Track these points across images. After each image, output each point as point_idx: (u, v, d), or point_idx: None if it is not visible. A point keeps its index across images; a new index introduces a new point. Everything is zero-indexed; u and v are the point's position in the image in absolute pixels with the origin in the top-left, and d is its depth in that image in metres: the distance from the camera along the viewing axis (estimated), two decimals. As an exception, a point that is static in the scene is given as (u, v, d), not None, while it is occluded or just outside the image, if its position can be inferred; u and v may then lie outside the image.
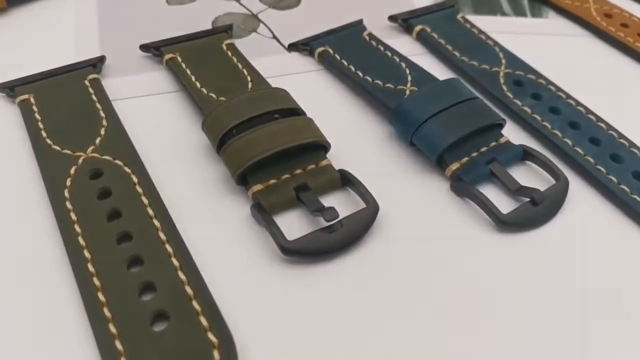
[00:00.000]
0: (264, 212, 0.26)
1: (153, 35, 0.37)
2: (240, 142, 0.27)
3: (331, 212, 0.26)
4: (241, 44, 0.38)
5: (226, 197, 0.28)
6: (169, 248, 0.25)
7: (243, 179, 0.28)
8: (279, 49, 0.37)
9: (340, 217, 0.26)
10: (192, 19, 0.39)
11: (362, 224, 0.26)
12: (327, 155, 0.30)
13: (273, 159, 0.28)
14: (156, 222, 0.26)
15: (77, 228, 0.25)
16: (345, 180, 0.28)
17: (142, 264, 0.24)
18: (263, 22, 0.39)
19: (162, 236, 0.25)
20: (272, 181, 0.28)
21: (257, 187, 0.27)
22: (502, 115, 0.33)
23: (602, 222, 0.29)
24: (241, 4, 0.41)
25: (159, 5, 0.41)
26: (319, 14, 0.41)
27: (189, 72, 0.33)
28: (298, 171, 0.28)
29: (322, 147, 0.29)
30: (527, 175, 0.31)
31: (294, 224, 0.27)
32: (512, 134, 0.33)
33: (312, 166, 0.28)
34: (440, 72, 0.37)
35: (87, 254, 0.24)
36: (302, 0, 0.42)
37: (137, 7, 0.41)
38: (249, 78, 0.33)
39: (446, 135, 0.29)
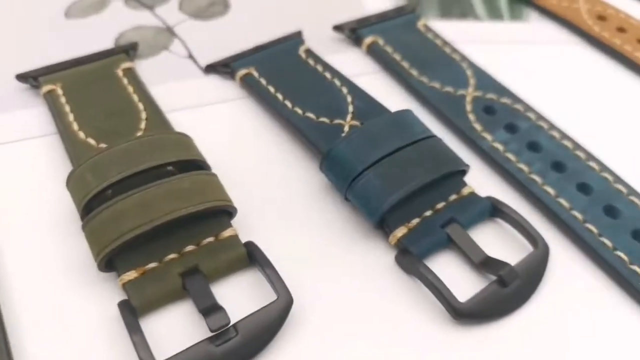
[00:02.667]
0: (130, 318, 0.19)
1: (44, 59, 0.30)
2: (106, 213, 0.20)
3: (219, 316, 0.19)
4: (147, 66, 0.30)
5: (91, 287, 0.21)
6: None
7: (112, 262, 0.21)
8: (194, 72, 0.30)
9: (241, 315, 0.20)
10: (94, 35, 0.32)
11: (266, 327, 0.19)
12: (234, 221, 0.23)
13: (155, 234, 0.21)
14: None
15: None
16: (253, 259, 0.22)
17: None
18: (178, 37, 0.32)
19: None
20: (152, 265, 0.21)
21: (129, 275, 0.20)
22: (469, 154, 0.27)
23: (592, 303, 0.22)
24: (155, 15, 0.34)
25: (56, 20, 0.33)
26: (251, 24, 0.34)
27: (67, 108, 0.26)
28: (189, 248, 0.21)
29: (225, 212, 0.23)
30: (498, 238, 0.24)
31: (177, 328, 0.20)
32: (481, 179, 0.26)
33: (210, 239, 0.22)
34: (395, 96, 0.30)
35: None
36: (232, 7, 0.35)
37: (27, 22, 0.33)
38: (143, 115, 0.26)
39: (388, 192, 0.22)
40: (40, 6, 0.34)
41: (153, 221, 0.20)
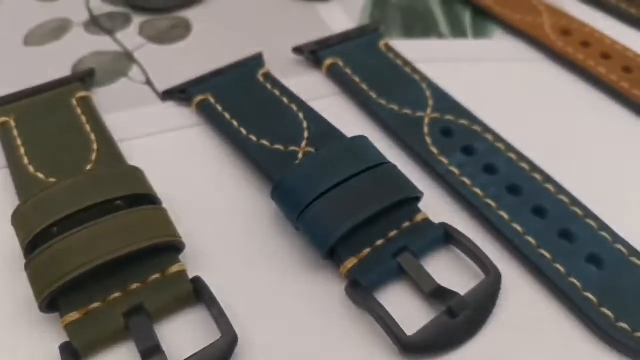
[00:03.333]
0: (70, 360, 0.19)
1: (3, 88, 0.29)
2: (48, 253, 0.20)
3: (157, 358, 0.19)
4: (104, 93, 0.30)
5: (33, 329, 0.21)
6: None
7: (55, 302, 0.21)
8: (152, 98, 0.30)
9: (183, 356, 0.19)
10: (53, 63, 0.32)
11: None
12: (185, 254, 0.23)
13: (100, 272, 0.21)
14: None
15: None
16: (199, 295, 0.21)
17: None
18: (137, 63, 0.32)
19: None
20: (95, 304, 0.20)
21: (71, 316, 0.20)
22: (426, 178, 0.26)
23: (545, 332, 0.21)
24: (115, 40, 0.34)
25: (14, 48, 0.33)
26: (213, 47, 0.33)
27: (19, 141, 0.26)
28: (134, 286, 0.21)
29: (173, 247, 0.22)
30: (452, 265, 0.23)
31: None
32: (438, 203, 0.26)
33: (156, 276, 0.21)
34: (355, 119, 0.30)
35: None
36: (193, 30, 0.35)
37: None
38: (94, 147, 0.26)
39: (337, 222, 0.22)
40: None
41: (96, 260, 0.20)
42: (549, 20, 0.36)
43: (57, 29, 0.34)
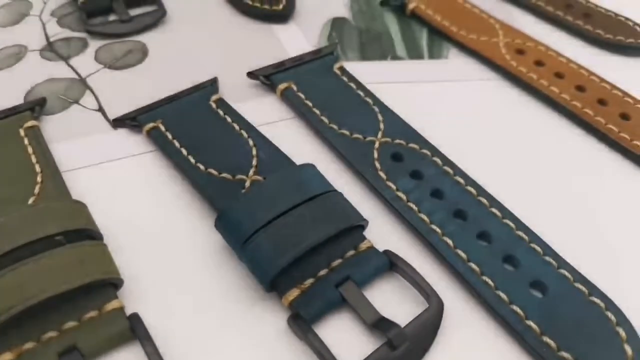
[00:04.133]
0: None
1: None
2: (-21, 294, 0.20)
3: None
4: (56, 121, 0.30)
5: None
6: None
7: (-13, 344, 0.20)
8: (103, 126, 0.30)
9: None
10: (5, 90, 0.31)
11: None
12: (126, 288, 0.22)
13: (35, 311, 0.20)
14: None
15: None
16: (135, 333, 0.21)
17: None
18: (90, 89, 0.32)
19: None
20: (29, 345, 0.20)
21: (4, 357, 0.20)
22: (375, 204, 0.26)
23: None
24: (69, 65, 0.33)
25: (-34, 75, 0.33)
26: (168, 71, 0.33)
27: (-38, 175, 0.26)
28: (70, 324, 0.21)
29: (111, 284, 0.22)
30: (396, 293, 0.23)
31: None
32: (385, 230, 0.26)
33: (92, 314, 0.21)
34: (307, 144, 0.30)
35: None
36: (149, 54, 0.35)
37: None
38: (39, 179, 0.26)
39: (278, 255, 0.22)
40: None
41: (29, 300, 0.20)
42: (504, 39, 0.36)
43: (12, 55, 0.34)
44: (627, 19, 0.39)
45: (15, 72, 0.33)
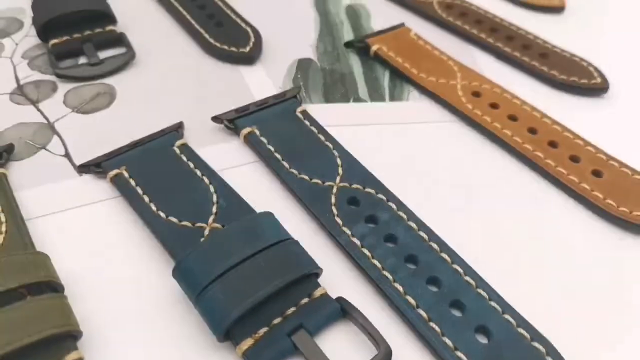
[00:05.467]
0: None
1: None
2: None
3: None
4: (22, 167, 0.31)
5: None
6: None
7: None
8: (69, 172, 0.31)
9: None
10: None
11: None
12: (86, 338, 0.23)
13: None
14: None
15: None
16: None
17: None
18: (58, 134, 0.33)
19: None
20: (-15, 399, 0.21)
21: (-40, 412, 0.21)
22: (332, 249, 0.27)
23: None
24: (38, 109, 0.34)
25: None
26: (135, 116, 0.34)
27: None
28: (26, 378, 0.21)
29: (70, 336, 0.23)
30: (347, 340, 0.24)
31: None
32: (339, 276, 0.27)
33: (50, 366, 0.22)
34: (268, 190, 0.31)
35: None
36: (117, 98, 0.35)
37: None
38: (2, 228, 0.26)
39: (231, 306, 0.23)
40: None
41: (-12, 354, 0.20)
42: (462, 81, 0.37)
43: (-18, 99, 0.35)
44: (581, 59, 0.41)
45: (-16, 117, 0.34)
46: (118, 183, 0.29)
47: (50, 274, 0.24)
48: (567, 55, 0.41)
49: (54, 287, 0.24)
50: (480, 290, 0.25)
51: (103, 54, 0.38)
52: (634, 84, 0.40)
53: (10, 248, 0.26)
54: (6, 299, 0.23)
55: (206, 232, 0.27)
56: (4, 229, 0.26)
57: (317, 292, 0.25)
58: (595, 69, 0.40)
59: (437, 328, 0.24)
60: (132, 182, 0.29)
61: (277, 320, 0.24)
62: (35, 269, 0.24)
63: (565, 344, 0.24)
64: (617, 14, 0.48)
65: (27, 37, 0.40)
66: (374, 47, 0.40)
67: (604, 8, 0.48)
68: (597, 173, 0.32)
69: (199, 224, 0.27)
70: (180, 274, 0.24)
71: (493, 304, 0.25)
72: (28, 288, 0.23)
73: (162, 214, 0.27)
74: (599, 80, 0.39)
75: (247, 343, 0.23)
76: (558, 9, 0.48)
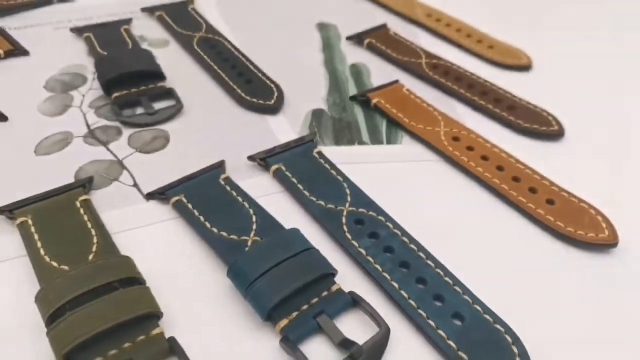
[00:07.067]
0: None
1: (20, 192, 0.38)
2: (63, 324, 0.29)
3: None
4: (101, 195, 0.39)
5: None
6: None
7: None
8: (138, 198, 0.39)
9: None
10: (57, 170, 0.41)
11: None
12: (162, 321, 0.31)
13: (101, 336, 0.29)
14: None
15: None
16: (173, 351, 0.30)
17: None
18: (127, 169, 0.41)
19: None
20: (98, 359, 0.29)
21: (82, 367, 0.28)
22: (343, 258, 0.36)
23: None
24: (108, 149, 0.43)
25: (26, 157, 0.42)
26: (185, 155, 0.43)
27: (36, 236, 0.35)
28: (126, 345, 0.29)
29: (154, 316, 0.31)
30: (357, 322, 0.33)
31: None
32: (350, 276, 0.35)
33: (142, 337, 0.30)
34: (293, 213, 0.39)
35: None
36: (171, 141, 0.44)
37: (2, 158, 0.42)
38: (95, 240, 0.35)
39: (272, 294, 0.31)
40: (14, 146, 0.43)
41: (96, 328, 0.28)
42: (444, 128, 0.47)
43: (61, 141, 0.44)
44: (543, 110, 0.50)
45: (64, 155, 0.42)
46: (178, 207, 0.38)
47: (135, 272, 0.32)
48: (531, 107, 0.51)
49: (138, 281, 0.32)
50: (456, 287, 0.34)
51: (157, 105, 0.47)
52: (585, 131, 0.49)
53: (101, 254, 0.34)
54: (105, 290, 0.31)
55: (249, 243, 0.35)
56: (95, 240, 0.35)
57: (334, 288, 0.33)
58: (554, 118, 0.49)
59: (423, 314, 0.32)
60: (190, 206, 0.38)
61: (304, 307, 0.32)
62: (123, 268, 0.32)
63: (521, 326, 0.32)
64: (575, 72, 0.57)
65: (92, 90, 0.50)
66: (374, 100, 0.49)
67: (565, 67, 0.58)
68: (550, 201, 0.41)
69: (243, 237, 0.35)
70: (233, 273, 0.32)
71: (466, 297, 0.33)
72: (119, 282, 0.31)
73: (214, 230, 0.36)
74: (556, 127, 0.48)
75: (283, 322, 0.31)
76: (526, 67, 0.58)
